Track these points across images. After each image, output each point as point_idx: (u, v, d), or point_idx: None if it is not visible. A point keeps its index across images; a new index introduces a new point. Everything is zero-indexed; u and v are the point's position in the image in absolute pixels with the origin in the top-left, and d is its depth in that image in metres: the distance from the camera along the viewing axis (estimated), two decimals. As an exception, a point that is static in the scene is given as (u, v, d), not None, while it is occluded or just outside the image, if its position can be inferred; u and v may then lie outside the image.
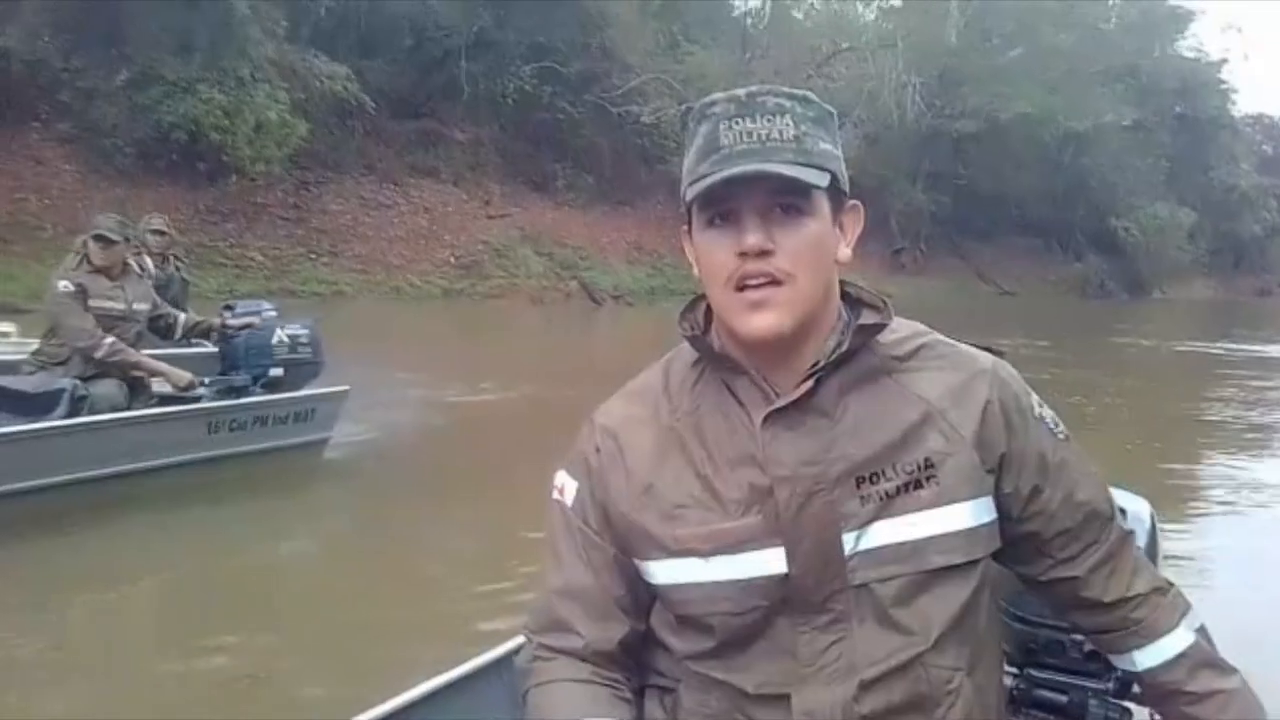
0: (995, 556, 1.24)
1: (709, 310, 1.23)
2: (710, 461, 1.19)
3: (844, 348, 1.16)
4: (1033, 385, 1.26)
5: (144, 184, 15.91)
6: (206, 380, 5.99)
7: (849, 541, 1.14)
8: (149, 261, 7.49)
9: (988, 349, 1.28)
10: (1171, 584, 1.28)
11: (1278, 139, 50.64)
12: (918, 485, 1.15)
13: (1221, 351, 18.53)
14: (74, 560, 4.66)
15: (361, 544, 5.42)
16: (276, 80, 16.59)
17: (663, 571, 1.21)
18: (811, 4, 35.28)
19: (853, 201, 1.20)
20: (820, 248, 1.14)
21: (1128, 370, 15.57)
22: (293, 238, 16.94)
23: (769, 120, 1.12)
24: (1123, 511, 1.32)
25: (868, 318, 1.20)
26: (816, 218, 1.13)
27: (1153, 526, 1.63)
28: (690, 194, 1.14)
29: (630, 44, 23.72)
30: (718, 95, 1.16)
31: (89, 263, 5.47)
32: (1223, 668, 1.24)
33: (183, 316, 6.16)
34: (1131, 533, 1.29)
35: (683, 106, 22.34)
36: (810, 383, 1.15)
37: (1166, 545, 1.79)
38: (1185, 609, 1.26)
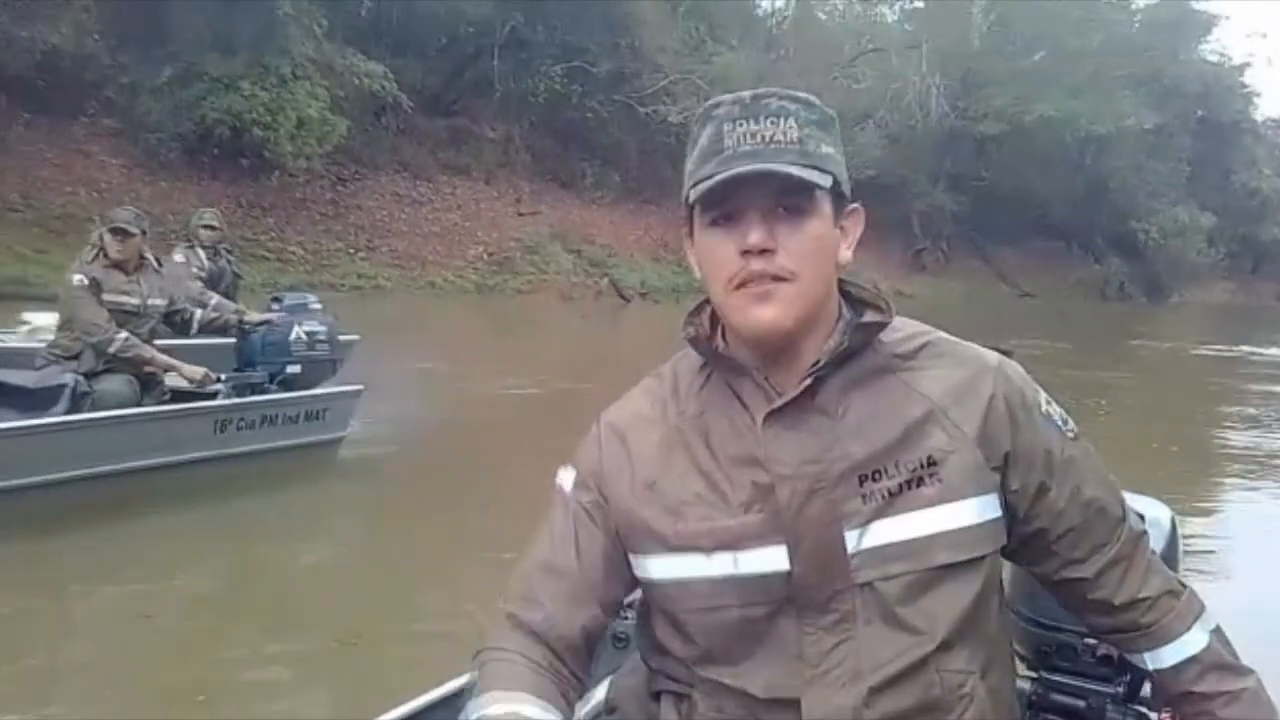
0: (1009, 556, 1.26)
1: (714, 313, 1.25)
2: (714, 461, 1.21)
3: (844, 346, 1.18)
4: (1053, 386, 1.27)
5: (188, 178, 16.31)
6: (223, 376, 5.90)
7: (851, 540, 1.15)
8: (202, 254, 7.82)
9: (995, 349, 1.28)
10: (1186, 586, 1.28)
11: (1300, 143, 50.50)
12: (920, 483, 1.16)
13: (1241, 355, 18.68)
14: (75, 558, 4.64)
15: (371, 545, 5.48)
16: (316, 78, 16.93)
17: (663, 567, 1.23)
18: (835, 5, 35.45)
19: (854, 205, 1.22)
20: (823, 247, 1.15)
21: (1147, 372, 15.78)
22: (331, 233, 17.31)
23: (772, 122, 1.13)
24: (1141, 517, 1.31)
25: (869, 317, 1.21)
26: (819, 218, 1.14)
27: (1172, 531, 1.64)
28: (694, 194, 1.15)
29: (659, 44, 23.98)
30: (722, 97, 1.18)
31: (105, 256, 5.39)
32: (1237, 670, 1.24)
33: (199, 312, 6.09)
34: (1144, 534, 1.28)
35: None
36: (809, 381, 1.16)
37: (1189, 544, 1.79)
38: (1199, 611, 1.26)
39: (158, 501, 5.19)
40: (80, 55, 15.89)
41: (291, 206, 16.88)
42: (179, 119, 16.19)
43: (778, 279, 1.13)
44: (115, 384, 5.31)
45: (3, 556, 4.46)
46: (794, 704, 1.15)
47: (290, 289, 11.02)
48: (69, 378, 5.17)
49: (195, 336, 6.18)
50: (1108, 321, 25.40)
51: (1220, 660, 1.25)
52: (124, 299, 5.39)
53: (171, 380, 5.67)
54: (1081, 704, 1.63)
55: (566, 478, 1.31)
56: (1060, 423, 1.24)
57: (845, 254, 1.20)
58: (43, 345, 6.13)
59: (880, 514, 1.15)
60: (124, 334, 5.33)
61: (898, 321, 1.23)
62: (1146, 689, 1.62)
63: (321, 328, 6.41)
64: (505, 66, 22.27)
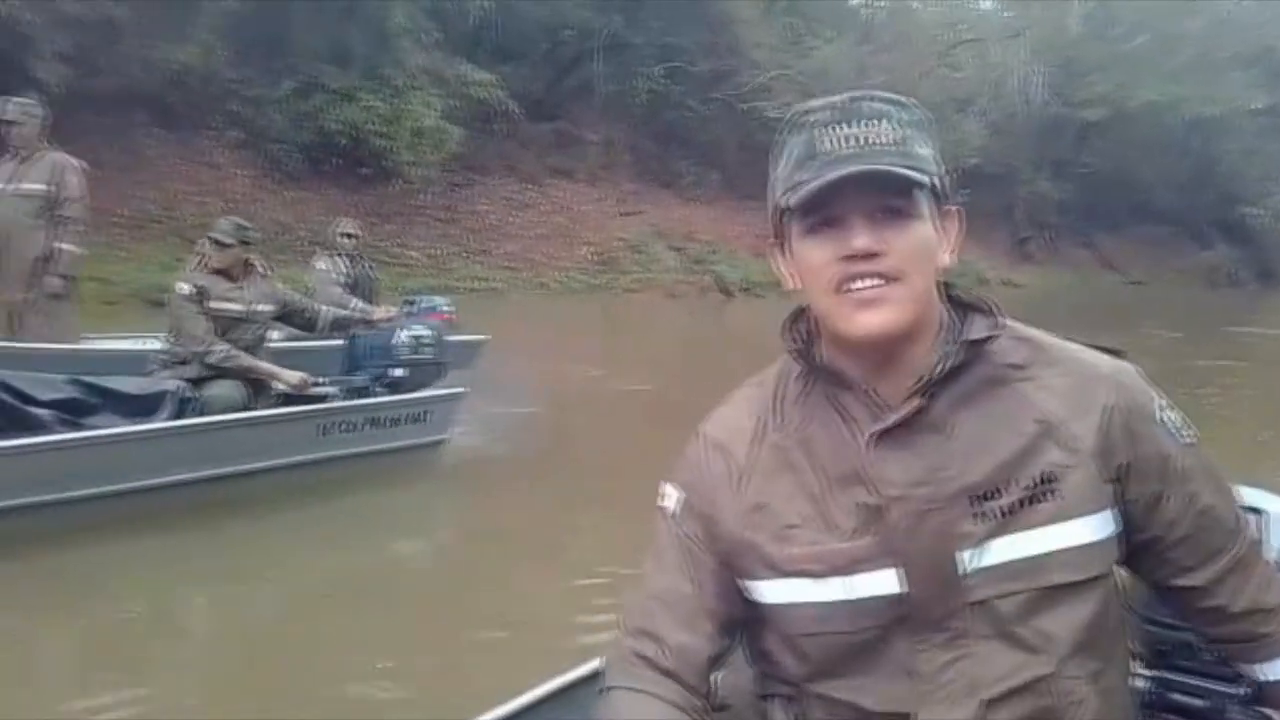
0: (1120, 562, 1.23)
1: (813, 322, 1.22)
2: (820, 481, 1.18)
3: (952, 361, 1.14)
4: (1163, 377, 1.24)
5: (311, 187, 16.91)
6: (324, 379, 5.92)
7: (965, 559, 1.12)
8: (342, 261, 8.23)
9: (1109, 350, 1.25)
10: None
11: None
12: (1036, 500, 1.13)
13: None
14: (181, 559, 4.70)
15: (471, 549, 5.45)
16: (429, 88, 17.41)
17: (773, 591, 1.21)
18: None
19: (952, 207, 1.19)
20: (928, 249, 1.13)
21: (1260, 361, 15.38)
22: (447, 237, 17.77)
23: (870, 124, 1.11)
24: (1256, 511, 1.30)
25: (978, 325, 1.18)
26: (921, 219, 1.12)
27: None
28: (791, 200, 1.13)
29: (756, 40, 24.10)
30: (813, 103, 1.16)
31: (208, 265, 5.53)
32: None
33: (326, 311, 6.21)
34: (1259, 542, 1.25)
35: (809, 100, 22.64)
36: (918, 400, 1.14)
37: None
38: None
39: (259, 504, 5.24)
40: (206, 72, 16.54)
41: (410, 213, 17.38)
42: (300, 130, 16.80)
43: (886, 280, 1.10)
44: (224, 389, 5.41)
45: (111, 559, 4.55)
46: (907, 718, 1.14)
47: (411, 293, 11.39)
48: (173, 384, 5.27)
49: (325, 336, 6.38)
50: (1219, 309, 24.69)
51: None
52: (229, 305, 5.50)
53: (280, 384, 5.76)
54: (1201, 704, 1.58)
55: (670, 497, 1.29)
56: (1176, 429, 1.20)
57: (946, 258, 1.17)
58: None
59: (995, 533, 1.12)
60: (223, 345, 5.43)
61: (1007, 325, 1.20)
62: None
63: (428, 332, 6.44)
64: (606, 70, 22.63)
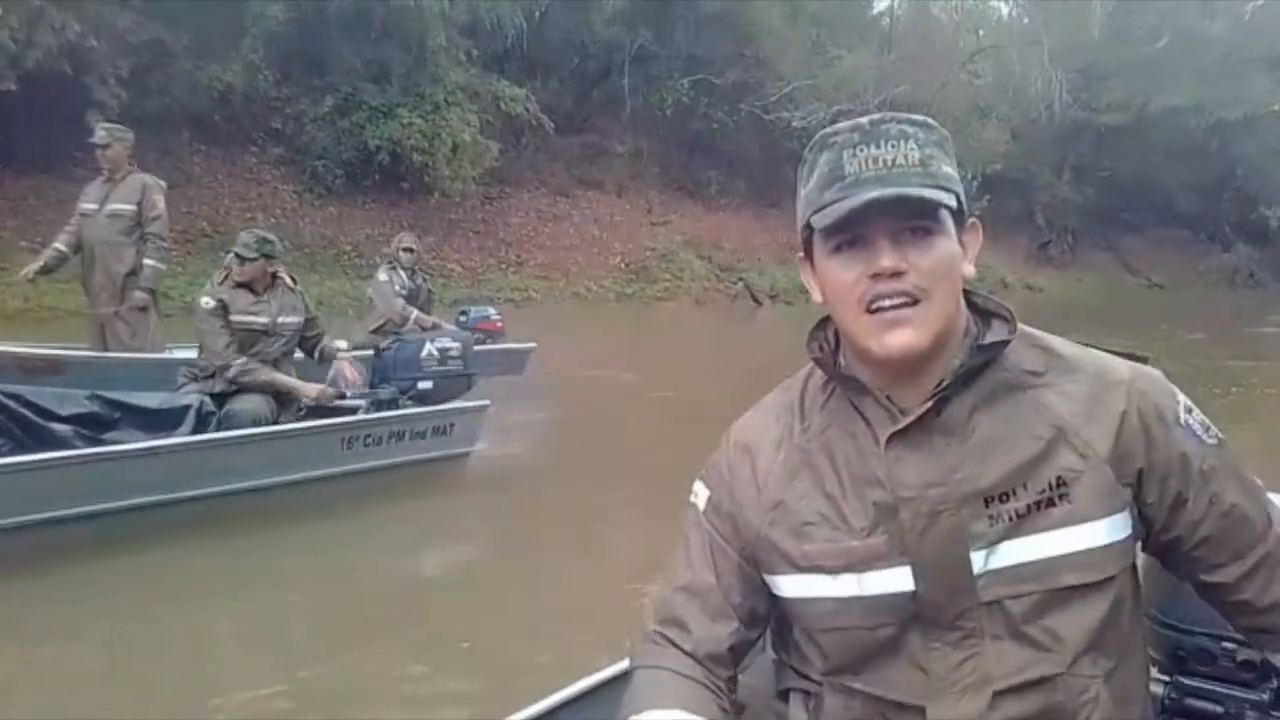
0: (1153, 554, 1.28)
1: (836, 330, 1.26)
2: (838, 481, 1.22)
3: (967, 365, 1.17)
4: (1184, 377, 1.27)
5: (352, 202, 17.38)
6: (347, 392, 5.86)
7: (978, 560, 1.15)
8: (403, 274, 8.70)
9: (1130, 355, 1.27)
10: None
11: None
12: (1049, 504, 1.15)
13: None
14: (205, 576, 4.66)
15: (499, 562, 5.38)
16: (466, 104, 17.85)
17: (790, 585, 1.25)
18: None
19: (972, 220, 1.23)
20: (952, 265, 1.16)
21: (1283, 361, 15.44)
22: (484, 249, 18.22)
23: (894, 146, 1.14)
24: None
25: (995, 331, 1.22)
26: (945, 236, 1.15)
27: None
28: (818, 221, 1.16)
29: (781, 52, 24.47)
30: (839, 125, 1.20)
31: (232, 279, 5.52)
32: None
33: (326, 344, 6.04)
34: None
35: (833, 109, 22.95)
36: (932, 402, 1.16)
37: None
38: None
39: (279, 518, 5.19)
40: (250, 91, 17.00)
41: (447, 226, 17.83)
42: (342, 146, 17.24)
43: (910, 300, 1.13)
44: (249, 403, 5.38)
45: (135, 573, 4.54)
46: (920, 710, 1.18)
47: (452, 304, 11.80)
48: (194, 398, 5.26)
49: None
50: (1239, 310, 24.62)
51: None
52: (252, 319, 5.48)
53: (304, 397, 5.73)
54: (1219, 709, 1.58)
55: (700, 494, 1.35)
56: (1200, 431, 1.21)
57: (968, 269, 1.21)
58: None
59: (1008, 535, 1.15)
60: (241, 359, 5.41)
61: (1025, 332, 1.23)
62: None
63: (455, 344, 6.41)
64: (634, 83, 23.05)
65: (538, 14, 19.82)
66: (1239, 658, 1.57)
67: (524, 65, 21.58)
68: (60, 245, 6.84)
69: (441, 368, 6.26)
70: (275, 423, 5.45)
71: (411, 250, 8.96)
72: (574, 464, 7.11)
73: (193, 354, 5.78)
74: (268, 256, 5.52)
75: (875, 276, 1.13)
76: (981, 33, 32.94)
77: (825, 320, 1.28)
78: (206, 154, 16.88)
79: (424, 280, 9.28)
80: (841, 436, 1.23)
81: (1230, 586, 1.22)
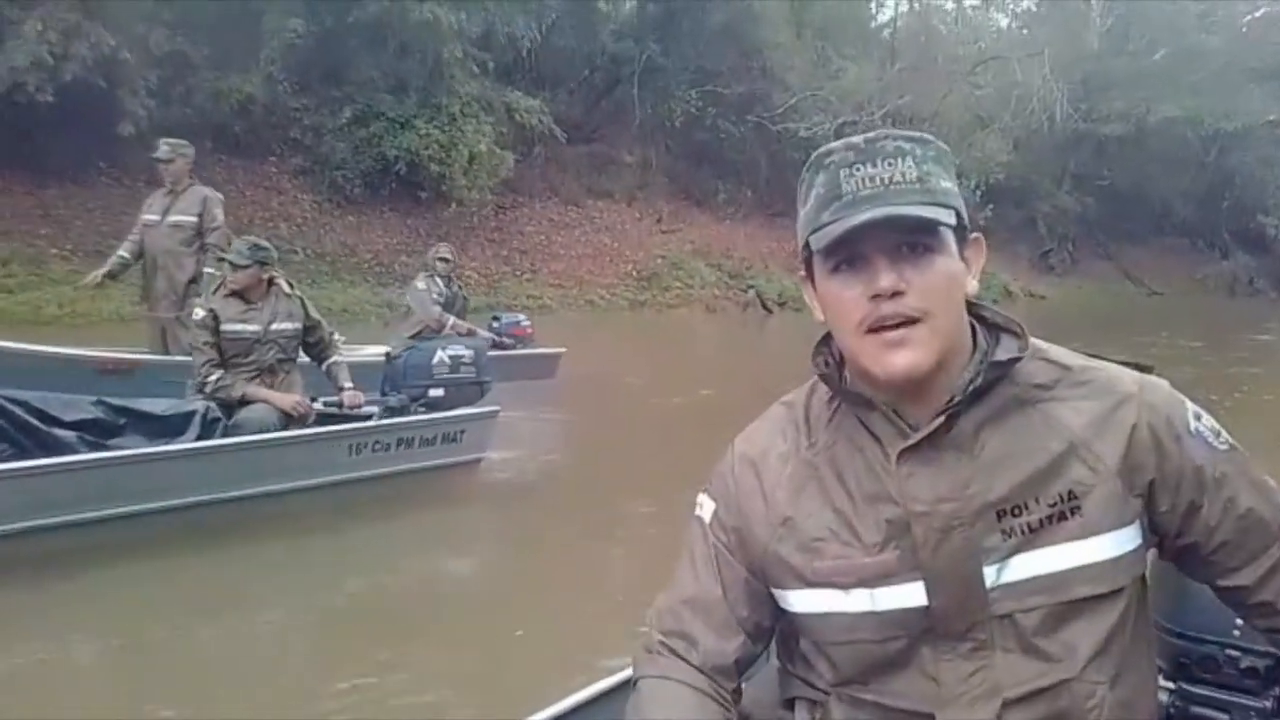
0: (1169, 560, 1.28)
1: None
2: (847, 497, 1.21)
3: (979, 382, 1.16)
4: (1185, 385, 1.25)
5: (371, 211, 17.66)
6: (322, 402, 5.76)
7: (990, 574, 1.15)
8: (440, 282, 9.02)
9: (1137, 365, 1.27)
10: None
11: None
12: (1061, 518, 1.15)
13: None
14: (209, 581, 4.67)
15: (508, 569, 5.40)
16: (482, 116, 18.15)
17: (801, 601, 1.25)
18: (947, 11, 35.77)
19: (975, 235, 1.22)
20: (952, 284, 1.15)
21: (1280, 366, 15.65)
22: (499, 258, 18.51)
23: (890, 164, 1.13)
24: None
25: (1005, 346, 1.20)
26: (945, 254, 1.15)
27: None
28: (816, 242, 1.15)
29: (788, 64, 24.81)
30: (834, 144, 1.19)
31: (226, 287, 5.49)
32: None
33: (337, 360, 5.93)
34: None
35: (838, 120, 23.33)
36: (942, 419, 1.15)
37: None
38: None
39: (283, 525, 5.20)
40: (270, 102, 17.28)
41: (463, 235, 18.11)
42: (360, 156, 17.51)
43: (910, 321, 1.13)
44: (257, 410, 5.35)
45: (135, 580, 4.55)
46: (929, 717, 1.18)
47: (472, 311, 12.06)
48: (199, 405, 5.23)
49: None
50: (1238, 317, 24.93)
51: None
52: (241, 327, 5.42)
53: (320, 404, 5.71)
54: (1224, 717, 1.59)
55: (705, 507, 1.34)
56: (1211, 438, 1.21)
57: (972, 285, 1.21)
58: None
59: (1020, 549, 1.15)
60: (216, 375, 5.33)
61: (1035, 347, 1.22)
62: None
63: (467, 352, 6.41)
64: (642, 94, 23.40)
65: (545, 26, 20.08)
66: (1243, 665, 1.58)
67: (534, 77, 21.92)
68: (124, 252, 7.20)
69: (453, 375, 6.26)
70: (285, 428, 5.40)
71: (448, 259, 9.30)
72: (590, 470, 7.20)
73: None
74: (261, 263, 5.48)
75: (875, 298, 1.13)
76: (981, 44, 33.35)
77: (829, 335, 1.26)
78: (228, 164, 17.13)
79: (459, 288, 9.61)
80: (849, 452, 1.23)
81: (1249, 589, 1.22)
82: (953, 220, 1.15)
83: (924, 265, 1.13)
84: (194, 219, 7.01)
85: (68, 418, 4.85)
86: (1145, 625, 1.25)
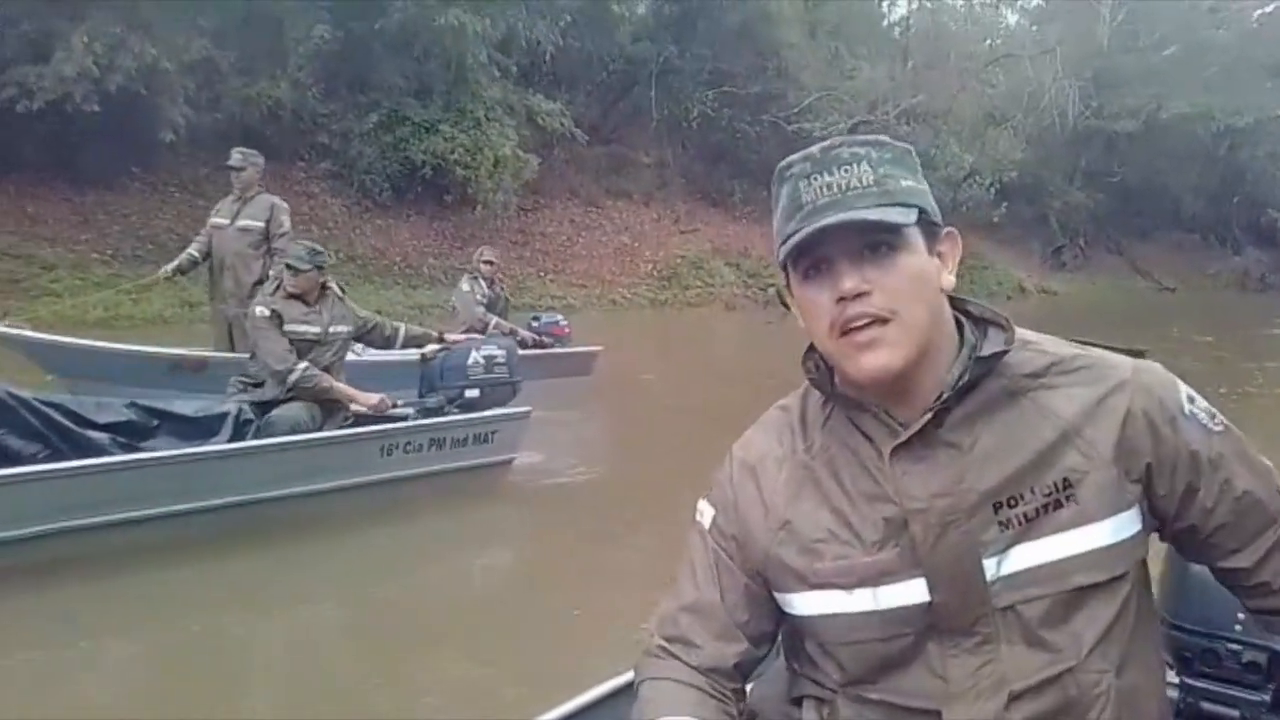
0: (1171, 543, 1.28)
1: None
2: (845, 498, 1.22)
3: (966, 377, 1.17)
4: (1196, 378, 1.24)
5: (398, 215, 17.95)
6: (400, 401, 5.94)
7: (990, 567, 1.15)
8: (483, 284, 9.33)
9: (1129, 351, 1.26)
10: None
11: None
12: (1057, 506, 1.15)
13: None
14: (242, 581, 4.71)
15: (536, 570, 5.42)
16: (505, 119, 18.43)
17: (804, 603, 1.25)
18: (956, 8, 35.84)
19: (948, 229, 1.22)
20: (919, 280, 1.16)
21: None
22: (523, 259, 18.80)
23: (846, 170, 1.15)
24: None
25: (992, 339, 1.21)
26: (909, 252, 1.16)
27: None
28: (782, 253, 1.18)
29: (803, 64, 25.06)
30: (793, 157, 1.21)
31: (284, 290, 5.64)
32: None
33: (403, 328, 6.36)
34: None
35: (852, 120, 23.57)
36: (930, 416, 1.16)
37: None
38: None
39: (315, 526, 5.25)
40: (298, 107, 17.54)
41: (487, 237, 18.36)
42: (387, 160, 17.77)
43: (877, 321, 1.14)
44: (291, 410, 5.44)
45: (166, 579, 4.59)
46: (936, 714, 1.19)
47: (539, 311, 12.33)
48: (232, 406, 5.33)
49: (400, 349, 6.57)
50: (1249, 312, 24.93)
51: None
52: (304, 329, 5.59)
53: (356, 405, 5.78)
54: (1235, 713, 1.59)
55: (705, 514, 1.35)
56: (1205, 419, 1.21)
57: (948, 279, 1.21)
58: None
59: (1018, 540, 1.15)
60: (303, 364, 5.48)
61: (1022, 336, 1.23)
62: None
63: (500, 352, 6.47)
64: (659, 95, 23.70)
65: (561, 28, 20.33)
66: (1244, 659, 1.59)
67: (551, 79, 22.19)
68: (194, 251, 7.62)
69: (488, 375, 6.32)
70: (319, 430, 5.48)
71: (491, 262, 9.65)
72: (617, 471, 7.29)
73: None
74: (319, 268, 5.66)
75: (841, 300, 1.15)
76: (990, 42, 33.51)
77: None
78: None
79: (502, 289, 9.94)
80: (844, 453, 1.24)
81: (1248, 570, 1.22)
82: (912, 219, 1.16)
83: (887, 265, 1.15)
84: (261, 224, 7.37)
85: (101, 420, 4.90)
86: (1149, 612, 1.25)
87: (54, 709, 3.56)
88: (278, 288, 5.68)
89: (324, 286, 5.78)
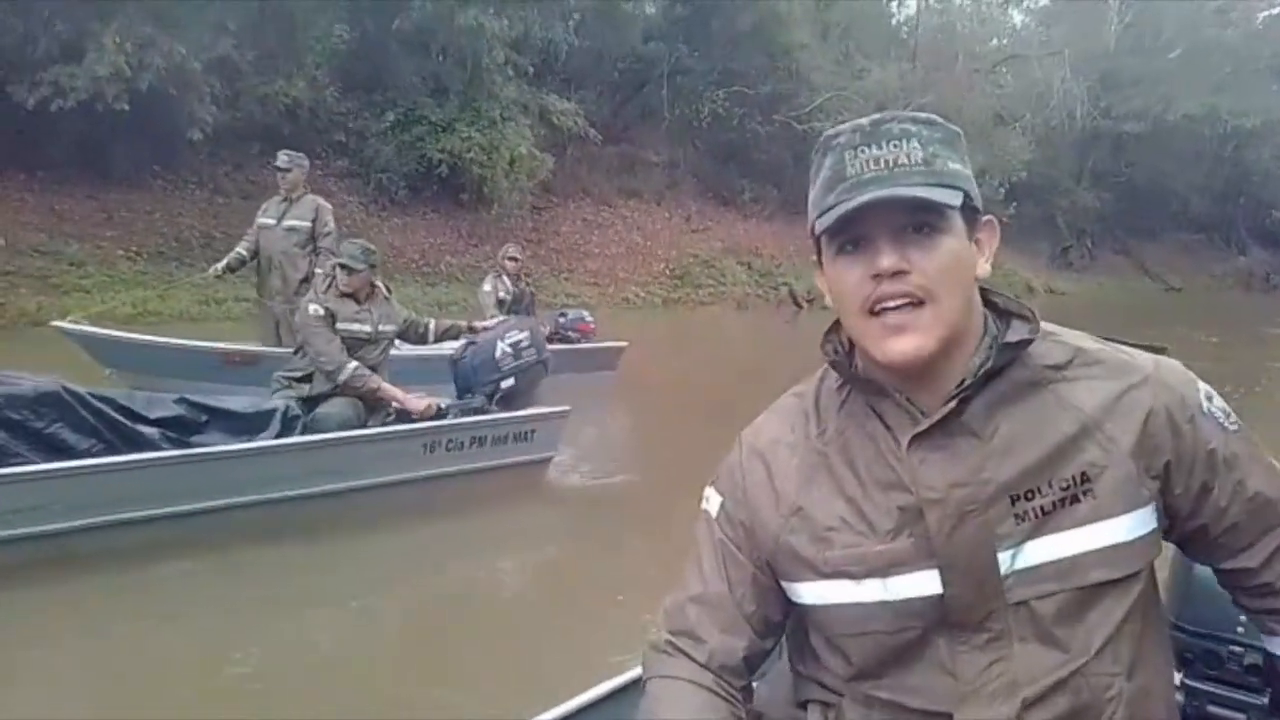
0: (1177, 545, 1.26)
1: None
2: (858, 485, 1.19)
3: (990, 365, 1.14)
4: (1204, 379, 1.23)
5: (414, 213, 18.08)
6: (444, 403, 5.95)
7: (1005, 560, 1.13)
8: (507, 280, 9.49)
9: (1150, 347, 1.24)
10: None
11: None
12: (1074, 500, 1.13)
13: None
14: (284, 577, 4.74)
15: (576, 567, 5.41)
16: (521, 119, 18.56)
17: (812, 592, 1.23)
18: (963, 9, 35.95)
19: (987, 217, 1.19)
20: (958, 265, 1.13)
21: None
22: (537, 257, 18.91)
23: (895, 145, 1.11)
24: None
25: (1016, 330, 1.18)
26: (952, 235, 1.12)
27: None
28: (821, 224, 1.14)
29: (814, 64, 25.19)
30: (841, 127, 1.17)
31: (337, 288, 5.67)
32: None
33: (432, 323, 6.36)
34: None
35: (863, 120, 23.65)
36: (954, 403, 1.13)
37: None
38: None
39: (361, 522, 5.28)
40: (315, 106, 17.64)
41: (503, 235, 18.49)
42: (404, 159, 17.89)
43: (913, 302, 1.11)
44: (337, 407, 5.50)
45: (211, 570, 4.68)
46: (947, 716, 1.16)
47: (565, 308, 12.48)
48: (280, 402, 5.40)
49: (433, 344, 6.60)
50: (1254, 312, 25.24)
51: None
52: (356, 327, 5.66)
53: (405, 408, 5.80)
54: (1241, 717, 1.59)
55: (713, 501, 1.33)
56: (1222, 418, 1.19)
57: (984, 268, 1.18)
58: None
59: (1034, 533, 1.13)
60: (353, 364, 5.53)
61: (1046, 328, 1.20)
62: None
63: (524, 334, 6.52)
64: (671, 95, 23.88)
65: (573, 27, 20.46)
66: (1246, 661, 1.59)
67: (563, 79, 22.32)
68: (242, 250, 7.81)
69: (518, 361, 6.38)
70: (363, 427, 5.55)
71: (516, 259, 9.77)
72: (649, 471, 7.29)
73: None
74: (372, 266, 5.72)
75: (877, 277, 1.12)
76: (998, 42, 33.68)
77: (838, 323, 1.26)
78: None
79: (527, 285, 10.08)
80: (860, 439, 1.21)
81: (1253, 571, 1.21)
82: (958, 201, 1.13)
83: (929, 246, 1.12)
84: (307, 224, 7.56)
85: (152, 415, 4.98)
86: (1158, 614, 1.23)
87: (88, 697, 3.66)
88: (330, 286, 5.71)
89: (374, 286, 5.86)
